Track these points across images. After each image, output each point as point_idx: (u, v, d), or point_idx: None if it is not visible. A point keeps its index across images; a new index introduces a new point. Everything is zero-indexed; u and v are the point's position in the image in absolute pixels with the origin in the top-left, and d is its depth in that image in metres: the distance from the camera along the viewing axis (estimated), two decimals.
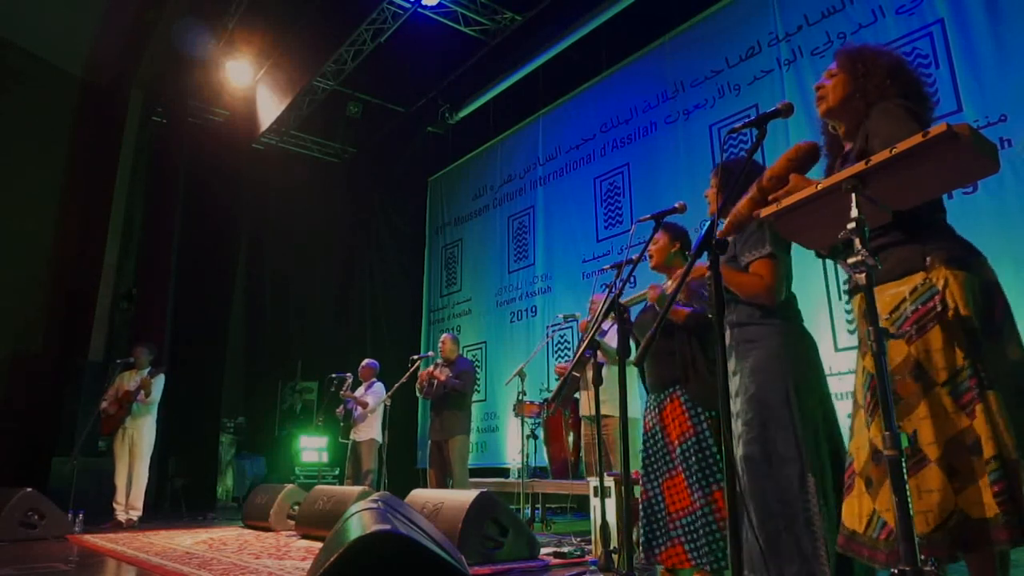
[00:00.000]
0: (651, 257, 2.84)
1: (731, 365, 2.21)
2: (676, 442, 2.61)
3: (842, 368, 4.83)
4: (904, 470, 1.36)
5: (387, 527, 1.85)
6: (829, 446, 2.08)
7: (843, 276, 4.99)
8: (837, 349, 4.99)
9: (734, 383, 2.19)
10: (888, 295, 1.64)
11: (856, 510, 1.64)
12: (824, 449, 2.06)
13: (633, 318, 2.88)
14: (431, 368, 5.85)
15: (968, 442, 1.47)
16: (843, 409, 2.07)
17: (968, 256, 1.62)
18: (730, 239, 2.24)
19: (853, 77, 1.83)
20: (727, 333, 2.24)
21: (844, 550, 1.67)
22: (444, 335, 6.02)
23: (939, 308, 1.55)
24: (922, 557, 1.36)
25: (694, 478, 2.51)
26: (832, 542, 1.90)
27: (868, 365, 1.65)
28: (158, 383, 6.09)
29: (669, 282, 2.72)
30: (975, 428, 1.47)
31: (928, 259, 1.60)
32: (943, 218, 1.71)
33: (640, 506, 2.69)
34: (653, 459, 2.70)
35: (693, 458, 2.53)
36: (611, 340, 4.35)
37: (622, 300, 2.58)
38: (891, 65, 1.80)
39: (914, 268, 1.62)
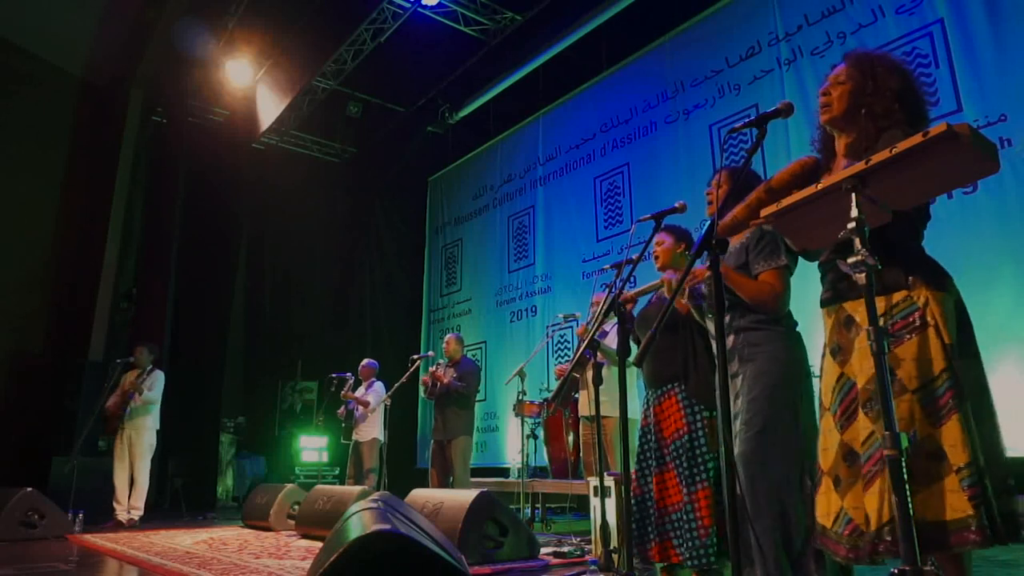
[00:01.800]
0: (657, 258, 2.88)
1: (733, 367, 2.25)
2: (669, 439, 2.65)
3: None
4: (904, 470, 1.36)
5: (387, 527, 1.85)
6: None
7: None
8: None
9: (735, 385, 2.23)
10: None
11: (825, 507, 1.71)
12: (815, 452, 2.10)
13: (636, 315, 2.89)
14: (435, 368, 5.84)
15: (929, 448, 1.53)
16: None
17: (943, 279, 1.70)
18: (730, 242, 2.27)
19: (861, 94, 1.80)
20: (731, 337, 2.28)
21: (817, 545, 1.75)
22: (448, 335, 6.00)
23: (918, 323, 1.61)
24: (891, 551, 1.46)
25: (683, 476, 2.55)
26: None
27: (849, 372, 1.72)
28: (154, 381, 6.08)
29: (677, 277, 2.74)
30: (941, 434, 1.53)
31: (910, 279, 1.66)
32: (919, 244, 1.78)
33: (632, 501, 2.71)
34: (646, 454, 2.72)
35: (683, 456, 2.56)
36: (611, 341, 4.34)
37: (631, 292, 2.60)
38: (900, 88, 1.78)
39: (897, 286, 1.67)
